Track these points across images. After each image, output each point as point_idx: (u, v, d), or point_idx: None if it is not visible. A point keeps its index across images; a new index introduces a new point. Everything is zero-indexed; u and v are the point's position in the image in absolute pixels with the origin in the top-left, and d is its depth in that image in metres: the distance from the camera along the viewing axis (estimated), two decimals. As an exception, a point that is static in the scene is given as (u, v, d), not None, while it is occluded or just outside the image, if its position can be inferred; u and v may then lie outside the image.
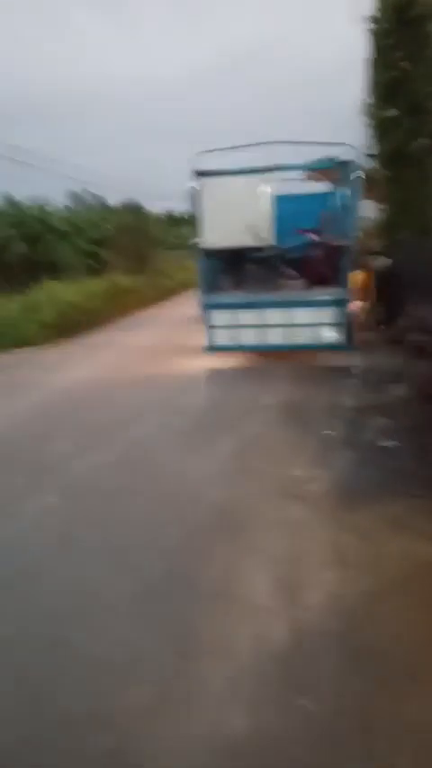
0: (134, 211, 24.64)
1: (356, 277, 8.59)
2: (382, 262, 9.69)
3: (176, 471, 4.33)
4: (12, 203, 24.05)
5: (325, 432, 4.99)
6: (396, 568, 2.95)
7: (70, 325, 11.48)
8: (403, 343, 7.56)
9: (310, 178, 14.33)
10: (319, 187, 12.16)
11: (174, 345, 9.62)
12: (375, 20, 10.04)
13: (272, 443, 4.83)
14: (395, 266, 9.36)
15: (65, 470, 4.46)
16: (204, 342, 8.21)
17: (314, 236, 9.05)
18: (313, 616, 2.59)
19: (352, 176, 7.78)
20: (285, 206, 8.98)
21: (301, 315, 7.89)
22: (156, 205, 31.74)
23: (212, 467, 4.37)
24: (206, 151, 7.77)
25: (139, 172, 47.96)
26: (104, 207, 26.72)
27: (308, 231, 9.09)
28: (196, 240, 7.98)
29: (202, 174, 7.78)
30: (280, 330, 7.95)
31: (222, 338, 8.09)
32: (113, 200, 26.48)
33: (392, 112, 9.08)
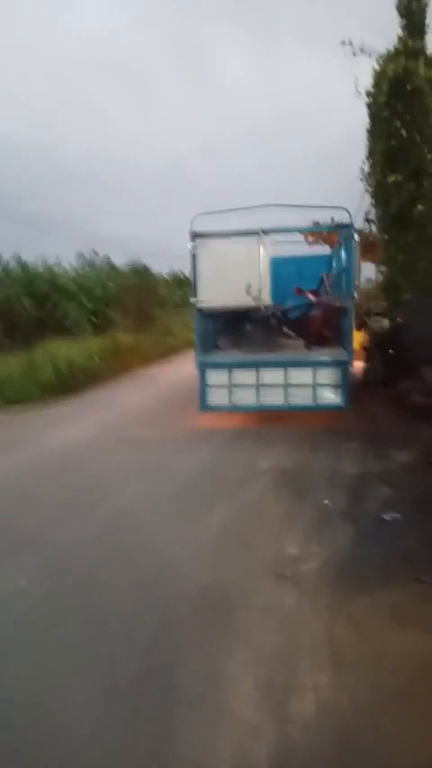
0: (140, 272, 25.19)
1: (356, 338, 8.49)
2: (381, 323, 9.62)
3: (162, 546, 3.98)
4: (21, 264, 24.68)
5: (323, 502, 4.66)
6: (397, 671, 2.58)
7: (69, 383, 11.34)
8: (405, 406, 7.33)
9: (309, 242, 14.63)
10: (318, 250, 12.31)
11: (171, 406, 9.40)
12: (372, 94, 10.45)
13: (266, 514, 4.50)
14: (396, 327, 9.27)
15: (41, 543, 4.13)
16: (199, 402, 8.02)
17: (312, 297, 9.06)
18: (301, 732, 2.22)
19: (349, 239, 7.80)
20: (283, 267, 9.15)
21: (300, 375, 7.72)
22: (164, 266, 32.59)
23: (201, 541, 4.03)
24: (205, 213, 7.79)
25: (150, 235, 49.55)
26: (112, 268, 27.36)
27: (305, 292, 9.09)
28: (193, 300, 7.95)
29: (198, 235, 7.81)
30: (278, 390, 7.76)
31: (218, 398, 7.90)
32: (122, 261, 27.19)
33: (394, 178, 9.23)
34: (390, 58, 10.00)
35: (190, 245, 7.77)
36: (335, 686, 2.47)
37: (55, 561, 3.86)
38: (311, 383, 7.68)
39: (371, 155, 10.73)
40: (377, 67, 10.42)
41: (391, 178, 9.62)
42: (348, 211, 7.76)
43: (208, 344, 8.51)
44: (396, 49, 10.06)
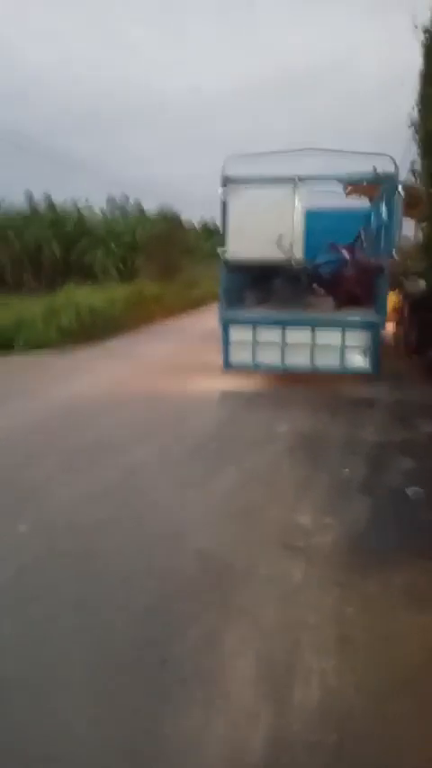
0: (169, 219, 24.52)
1: (390, 299, 8.03)
2: (418, 285, 9.09)
3: (167, 509, 3.84)
4: (50, 205, 24.24)
5: (341, 471, 4.44)
6: (409, 657, 2.41)
7: (89, 330, 11.18)
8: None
9: (348, 193, 13.82)
10: (357, 203, 11.61)
11: (190, 360, 9.15)
12: (430, 30, 9.50)
13: (279, 480, 4.31)
14: (433, 290, 8.75)
15: (42, 499, 4.01)
16: (221, 359, 7.70)
17: (347, 254, 8.52)
18: (302, 723, 2.07)
19: (392, 192, 7.24)
20: (319, 221, 8.40)
21: (328, 336, 7.28)
22: (194, 214, 31.71)
23: (209, 506, 3.88)
24: (238, 156, 7.30)
25: (182, 181, 48.08)
26: (141, 213, 26.71)
27: (340, 247, 8.58)
28: (220, 250, 7.51)
29: (230, 180, 7.28)
30: (304, 351, 7.36)
31: (240, 356, 7.55)
32: (152, 206, 26.49)
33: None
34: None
35: (220, 190, 7.28)
36: (340, 671, 2.31)
37: (54, 517, 3.73)
38: (339, 345, 7.26)
39: (423, 99, 9.89)
40: (437, 0, 9.46)
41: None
42: (394, 160, 7.18)
43: (233, 299, 8.10)
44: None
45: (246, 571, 3.05)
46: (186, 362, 9.03)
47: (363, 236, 9.12)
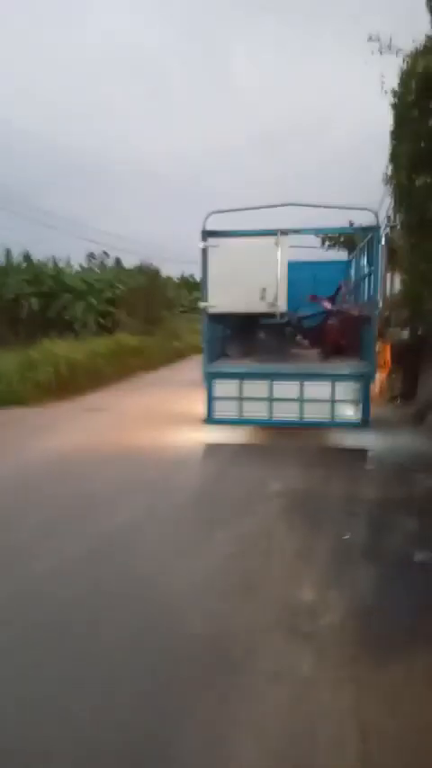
0: (149, 273, 24.72)
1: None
2: (401, 334, 9.06)
3: (155, 583, 3.41)
4: (27, 260, 24.29)
5: (341, 535, 4.07)
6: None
7: (68, 385, 10.81)
8: (426, 422, 6.72)
9: (328, 244, 14.05)
10: (337, 256, 11.72)
11: (174, 413, 8.83)
12: (399, 93, 9.90)
13: (277, 548, 3.91)
14: (416, 339, 8.71)
15: (18, 569, 3.56)
16: (205, 413, 7.32)
17: (327, 305, 8.41)
18: None
19: (376, 243, 7.20)
20: (300, 272, 8.46)
21: (317, 389, 7.00)
22: (173, 269, 32.14)
23: (201, 580, 3.45)
24: (219, 211, 7.18)
25: (162, 238, 49.18)
26: (121, 268, 26.92)
27: (321, 299, 8.48)
28: (202, 304, 7.26)
29: (210, 233, 7.12)
30: (292, 405, 7.04)
31: (225, 411, 7.20)
32: (132, 263, 26.72)
33: (423, 180, 8.66)
34: (419, 54, 9.46)
35: (201, 244, 7.10)
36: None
37: (31, 589, 3.30)
38: (329, 398, 6.98)
39: (394, 157, 10.18)
40: (404, 66, 9.91)
41: (420, 180, 9.07)
42: (375, 213, 7.21)
43: (216, 352, 7.88)
44: (426, 47, 9.53)
45: (245, 665, 2.62)
46: (170, 416, 8.69)
47: (343, 288, 9.11)
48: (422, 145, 9.18)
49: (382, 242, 7.31)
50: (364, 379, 6.98)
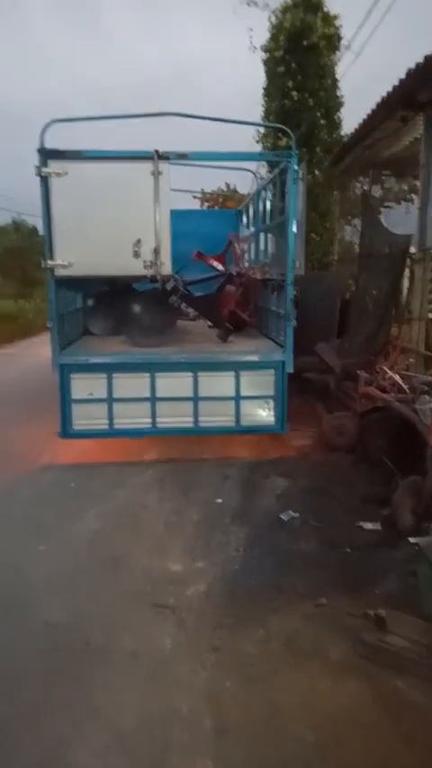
0: (24, 231, 23.03)
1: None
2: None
3: (6, 565, 3.23)
4: None
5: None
6: (294, 738, 2.08)
7: None
8: (302, 385, 6.75)
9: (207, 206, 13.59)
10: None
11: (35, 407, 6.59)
12: (269, 47, 9.81)
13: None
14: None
15: None
16: (59, 425, 5.05)
17: (218, 265, 6.78)
18: None
19: (290, 172, 4.97)
20: (181, 222, 5.76)
21: (217, 383, 5.20)
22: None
23: (64, 559, 3.32)
24: (62, 120, 4.79)
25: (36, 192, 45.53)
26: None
27: (208, 257, 6.78)
28: (46, 264, 4.92)
29: (52, 154, 4.77)
30: (182, 405, 5.16)
31: (89, 419, 5.08)
32: (4, 219, 24.67)
33: (285, 142, 8.72)
34: (288, 8, 9.38)
35: (38, 169, 4.76)
36: (216, 771, 1.93)
37: None
38: (233, 395, 5.22)
39: (267, 114, 10.18)
40: (274, 20, 9.80)
41: (282, 141, 9.15)
42: (289, 132, 5.30)
43: (74, 331, 5.98)
44: (294, 1, 9.46)
45: (106, 643, 2.57)
46: (29, 410, 6.63)
47: (234, 242, 7.20)
48: (286, 103, 9.28)
49: (299, 175, 5.23)
50: (279, 369, 5.19)
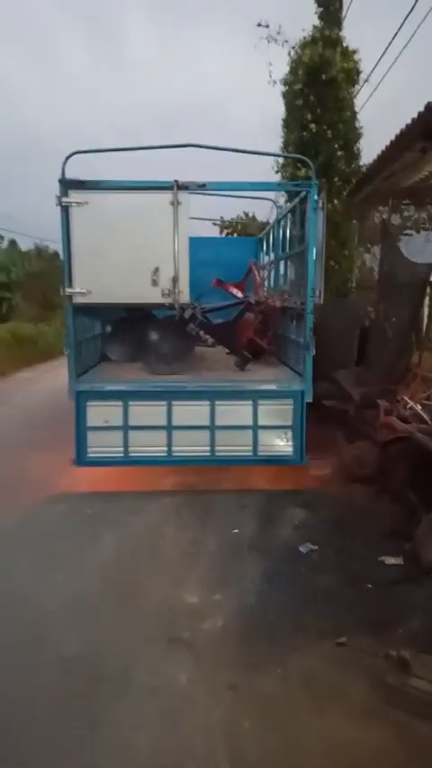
0: (45, 256, 23.56)
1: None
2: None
3: (23, 596, 3.20)
4: None
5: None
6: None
7: None
8: (319, 411, 6.68)
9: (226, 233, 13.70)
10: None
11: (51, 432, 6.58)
12: (288, 81, 10.03)
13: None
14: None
15: None
16: (74, 452, 5.07)
17: (237, 292, 6.74)
18: None
19: (310, 201, 5.03)
20: (200, 249, 6.03)
21: (234, 412, 5.16)
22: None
23: (80, 588, 3.29)
24: (83, 151, 4.97)
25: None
26: (15, 251, 25.39)
27: (228, 285, 6.76)
28: (65, 292, 5.00)
29: (74, 184, 4.87)
30: (198, 434, 5.13)
31: (104, 446, 5.09)
32: (27, 245, 25.30)
33: (304, 173, 8.83)
34: (307, 44, 9.62)
35: (59, 198, 4.87)
36: None
37: None
38: (250, 424, 5.18)
39: (286, 145, 10.35)
40: (293, 54, 10.05)
41: (301, 171, 9.27)
42: (309, 163, 5.31)
43: (91, 357, 6.02)
44: (313, 37, 9.71)
45: (121, 679, 2.52)
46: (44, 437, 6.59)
47: (254, 270, 7.22)
48: (304, 135, 9.43)
49: (319, 204, 5.20)
50: (299, 399, 5.15)
